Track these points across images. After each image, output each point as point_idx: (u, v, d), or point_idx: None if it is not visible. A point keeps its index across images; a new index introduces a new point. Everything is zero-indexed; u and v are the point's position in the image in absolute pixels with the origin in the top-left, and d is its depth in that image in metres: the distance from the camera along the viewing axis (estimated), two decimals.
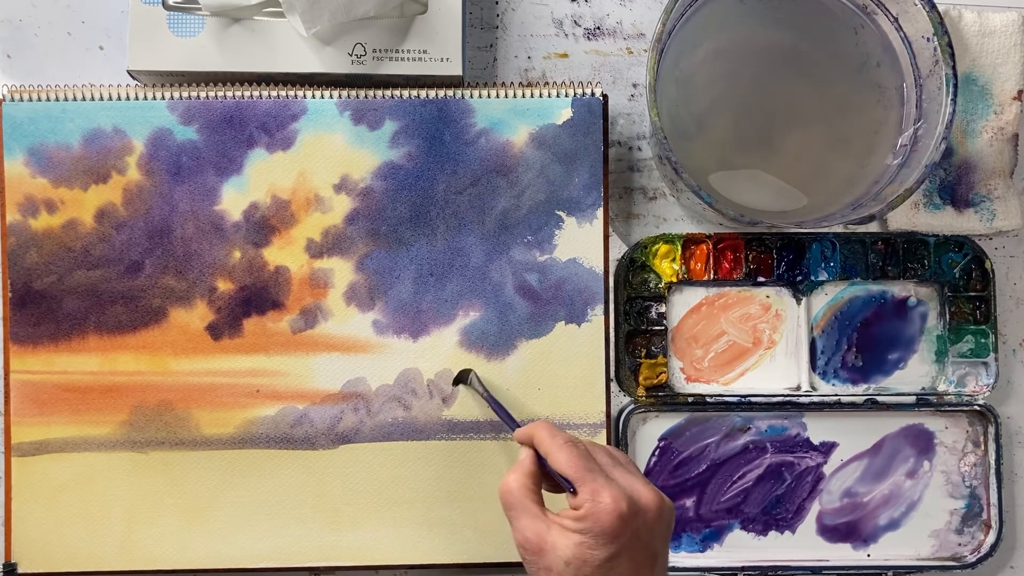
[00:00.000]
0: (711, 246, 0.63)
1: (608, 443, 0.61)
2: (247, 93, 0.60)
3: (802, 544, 0.63)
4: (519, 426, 0.52)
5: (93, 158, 0.60)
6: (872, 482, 0.63)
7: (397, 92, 0.60)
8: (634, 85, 0.64)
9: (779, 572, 0.62)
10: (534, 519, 0.47)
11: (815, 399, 0.63)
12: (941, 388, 0.63)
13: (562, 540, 0.46)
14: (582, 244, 0.61)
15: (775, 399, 0.62)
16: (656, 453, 0.63)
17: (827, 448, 0.63)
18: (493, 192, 0.61)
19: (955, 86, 0.55)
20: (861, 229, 0.64)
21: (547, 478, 0.50)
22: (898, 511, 0.63)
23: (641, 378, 0.62)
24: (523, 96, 0.61)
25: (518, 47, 0.64)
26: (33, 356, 0.60)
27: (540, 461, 0.50)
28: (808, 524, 0.63)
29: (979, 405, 0.63)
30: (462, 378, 0.60)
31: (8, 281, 0.59)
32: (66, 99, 0.59)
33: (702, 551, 0.63)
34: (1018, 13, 0.63)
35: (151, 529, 0.60)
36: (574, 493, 0.47)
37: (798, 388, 0.63)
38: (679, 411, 0.63)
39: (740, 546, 0.63)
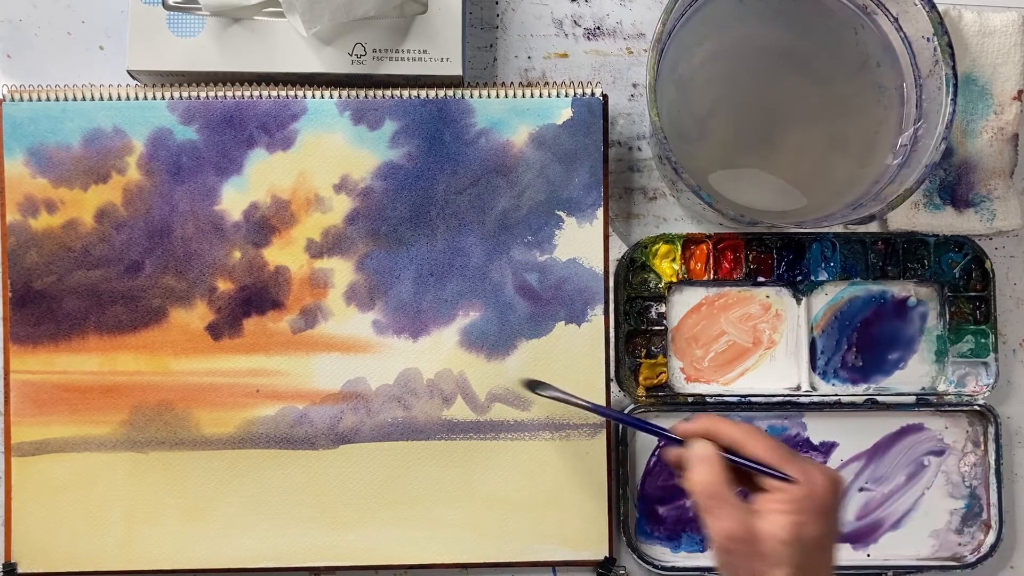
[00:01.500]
0: (711, 246, 0.63)
1: (608, 443, 0.61)
2: (247, 93, 0.60)
3: None
4: (676, 438, 0.51)
5: (93, 158, 0.60)
6: (872, 482, 0.63)
7: (397, 92, 0.60)
8: (634, 85, 0.64)
9: None
10: (737, 508, 0.48)
11: (815, 399, 0.63)
12: (941, 388, 0.63)
13: (774, 524, 0.47)
14: (582, 244, 0.61)
15: (775, 399, 0.62)
16: (656, 453, 0.63)
17: (827, 448, 0.63)
18: (493, 192, 0.61)
19: (955, 86, 0.55)
20: (861, 229, 0.64)
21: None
22: (898, 511, 0.63)
23: (641, 378, 0.62)
24: (523, 96, 0.61)
25: (518, 47, 0.64)
26: (33, 356, 0.60)
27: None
28: None
29: (979, 405, 0.63)
30: (532, 386, 0.59)
31: (8, 281, 0.59)
32: (66, 99, 0.59)
33: (702, 551, 0.63)
34: (1018, 13, 0.63)
35: (151, 529, 0.60)
36: (778, 478, 0.48)
37: (798, 388, 0.63)
38: (679, 411, 0.63)
39: None
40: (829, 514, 0.47)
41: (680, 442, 0.51)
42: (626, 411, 0.62)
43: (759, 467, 0.49)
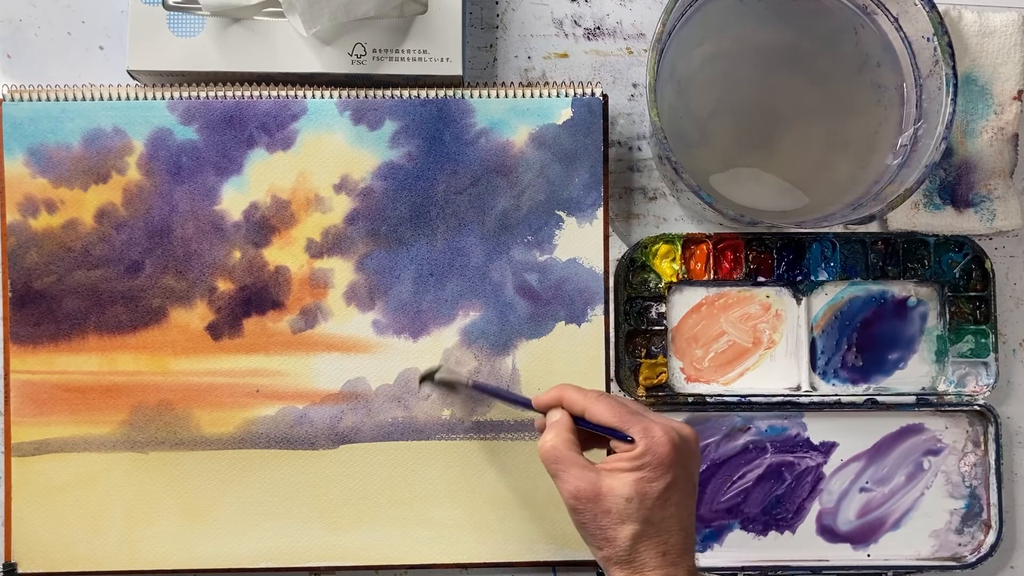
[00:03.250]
0: (711, 246, 0.63)
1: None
2: (247, 93, 0.60)
3: (802, 544, 0.63)
4: (527, 400, 0.54)
5: (93, 158, 0.60)
6: (872, 482, 0.63)
7: (397, 92, 0.60)
8: (634, 85, 0.64)
9: (779, 572, 0.62)
10: (583, 469, 0.50)
11: (815, 399, 0.63)
12: (941, 388, 0.63)
13: (619, 481, 0.49)
14: (582, 244, 0.61)
15: (775, 399, 0.62)
16: None
17: (827, 448, 0.63)
18: (493, 192, 0.61)
19: (955, 86, 0.55)
20: (861, 229, 0.64)
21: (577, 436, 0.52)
22: (898, 511, 0.63)
23: (641, 378, 0.62)
24: (523, 96, 0.61)
25: (518, 47, 0.64)
26: (33, 356, 0.60)
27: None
28: (808, 524, 0.63)
29: (979, 405, 0.63)
30: (429, 376, 0.60)
31: (8, 281, 0.59)
32: (66, 99, 0.59)
33: (702, 551, 0.63)
34: (1018, 13, 0.63)
35: (151, 529, 0.60)
36: (622, 439, 0.50)
37: (798, 388, 0.63)
38: (679, 411, 0.63)
39: (740, 546, 0.63)
40: (671, 467, 0.49)
41: (542, 413, 0.54)
42: None
43: (602, 429, 0.51)
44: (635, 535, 0.48)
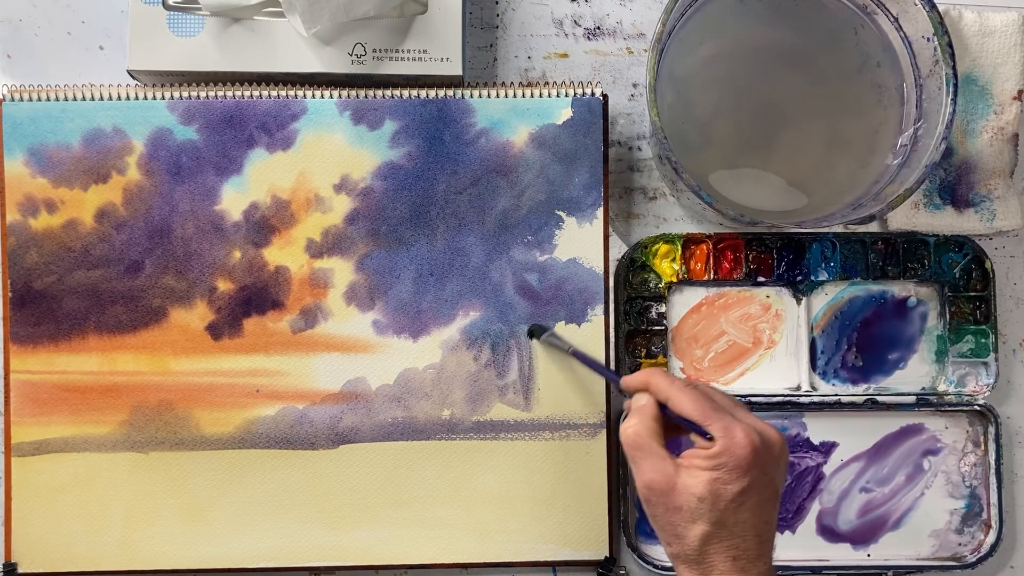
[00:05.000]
0: (711, 246, 0.63)
1: (608, 443, 0.61)
2: (247, 93, 0.60)
3: (802, 544, 0.63)
4: (618, 376, 0.53)
5: (93, 158, 0.60)
6: (872, 482, 0.63)
7: (397, 92, 0.60)
8: (634, 85, 0.64)
9: (779, 572, 0.62)
10: (662, 460, 0.48)
11: (815, 399, 0.63)
12: (941, 388, 0.63)
13: (694, 479, 0.47)
14: (582, 244, 0.61)
15: (775, 399, 0.62)
16: None
17: (827, 448, 0.63)
18: (493, 192, 0.61)
19: (955, 86, 0.55)
20: (861, 229, 0.64)
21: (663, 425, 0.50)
22: (898, 511, 0.63)
23: None
24: (523, 96, 0.61)
25: (518, 47, 0.64)
26: (33, 356, 0.60)
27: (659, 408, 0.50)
28: (808, 524, 0.63)
29: (979, 405, 0.63)
30: (535, 332, 0.60)
31: (8, 281, 0.59)
32: (66, 99, 0.59)
33: None
34: (1018, 13, 0.63)
35: (151, 529, 0.60)
36: (703, 435, 0.48)
37: (798, 388, 0.63)
38: None
39: None
40: (749, 471, 0.47)
41: (627, 394, 0.52)
42: (625, 412, 0.62)
43: (685, 421, 0.49)
44: (705, 536, 0.47)
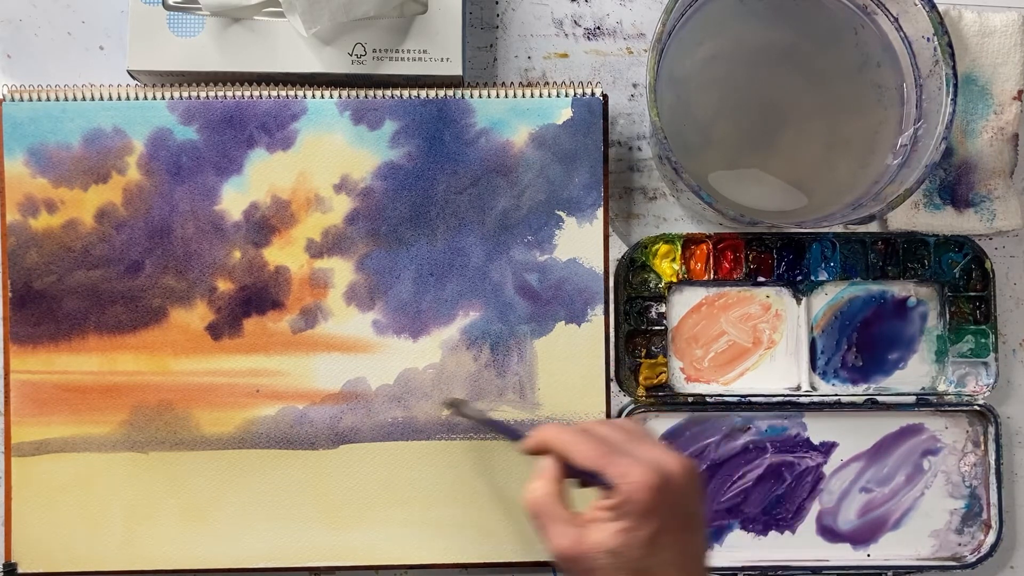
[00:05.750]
0: (711, 246, 0.63)
1: None
2: (247, 93, 0.60)
3: (802, 544, 0.63)
4: (521, 438, 0.51)
5: (93, 158, 0.60)
6: (872, 482, 0.63)
7: (397, 92, 0.60)
8: (634, 85, 0.64)
9: (779, 572, 0.62)
10: (566, 525, 0.46)
11: (815, 399, 0.63)
12: (941, 388, 0.63)
13: (600, 534, 0.45)
14: (582, 244, 0.61)
15: (775, 399, 0.62)
16: None
17: (827, 448, 0.63)
18: (493, 192, 0.61)
19: (955, 86, 0.55)
20: (861, 229, 0.64)
21: (574, 476, 0.49)
22: (898, 511, 0.63)
23: (641, 378, 0.62)
24: (523, 96, 0.61)
25: (518, 47, 0.64)
26: (33, 356, 0.60)
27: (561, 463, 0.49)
28: (808, 524, 0.63)
29: (979, 405, 0.63)
30: (455, 405, 0.60)
31: (8, 281, 0.59)
32: (66, 99, 0.59)
33: None
34: (1018, 13, 0.63)
35: (151, 529, 0.60)
36: (603, 485, 0.46)
37: (798, 388, 0.63)
38: (679, 411, 0.63)
39: (740, 546, 0.63)
40: (655, 511, 0.44)
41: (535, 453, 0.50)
42: (626, 411, 0.62)
43: (584, 473, 0.47)
44: None
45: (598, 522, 0.45)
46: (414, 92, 0.60)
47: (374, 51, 0.59)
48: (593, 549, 0.45)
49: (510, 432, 0.56)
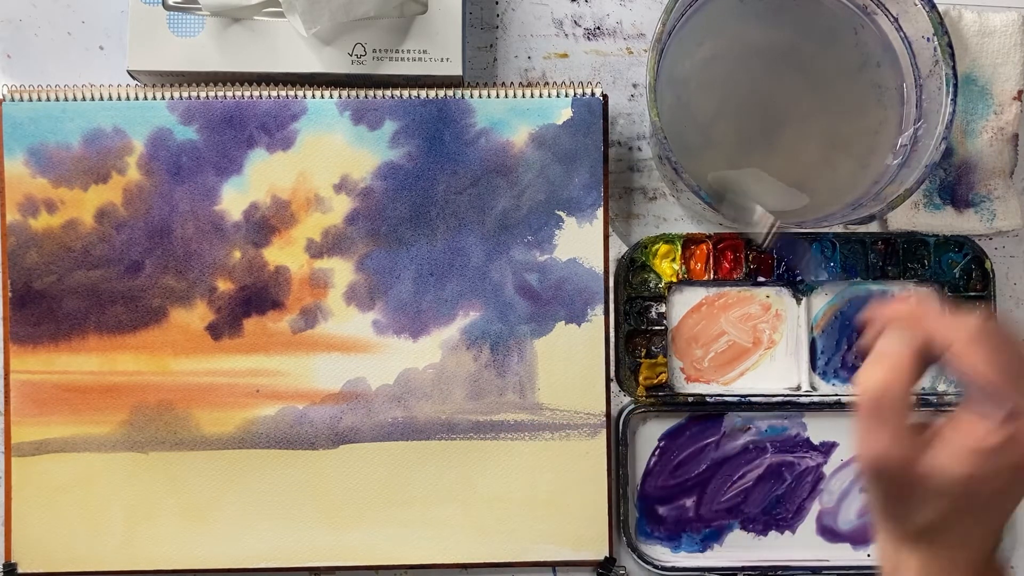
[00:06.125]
0: (711, 246, 0.63)
1: (608, 443, 0.61)
2: (247, 93, 0.60)
3: (802, 544, 0.63)
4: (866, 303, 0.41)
5: (93, 158, 0.60)
6: None
7: (397, 92, 0.60)
8: (634, 85, 0.64)
9: (779, 572, 0.62)
10: (900, 431, 0.37)
11: (815, 399, 0.63)
12: (941, 388, 0.63)
13: (949, 458, 0.36)
14: (582, 244, 0.61)
15: (775, 399, 0.62)
16: (656, 453, 0.63)
17: (827, 448, 0.63)
18: (493, 192, 0.61)
19: (955, 86, 0.55)
20: (861, 229, 0.64)
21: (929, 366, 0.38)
22: None
23: (641, 378, 0.62)
24: (523, 96, 0.61)
25: (518, 47, 0.64)
26: (33, 356, 0.59)
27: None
28: (808, 524, 0.63)
29: None
30: (773, 229, 0.53)
31: (8, 281, 0.59)
32: (66, 99, 0.59)
33: (702, 551, 0.63)
34: (1018, 13, 0.63)
35: (151, 529, 0.60)
36: (987, 406, 0.36)
37: (798, 388, 0.63)
38: (679, 411, 0.63)
39: (740, 546, 0.63)
40: None
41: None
42: (626, 411, 0.62)
43: (965, 383, 0.37)
44: (928, 529, 0.37)
45: (954, 445, 0.36)
46: (414, 92, 0.60)
47: (374, 51, 0.59)
48: (927, 478, 0.36)
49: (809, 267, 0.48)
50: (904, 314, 0.38)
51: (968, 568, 0.37)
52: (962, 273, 0.63)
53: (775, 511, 0.63)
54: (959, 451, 0.36)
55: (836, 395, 0.63)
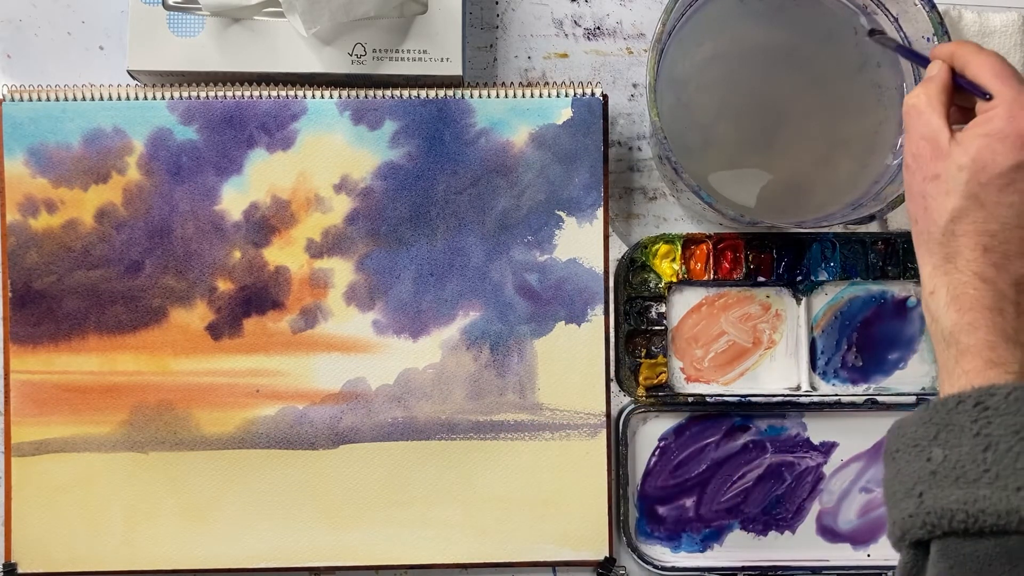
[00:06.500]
0: (711, 246, 0.63)
1: (608, 443, 0.61)
2: (247, 93, 0.60)
3: (802, 544, 0.63)
4: (925, 57, 0.50)
5: (93, 158, 0.60)
6: (872, 482, 0.63)
7: (397, 92, 0.60)
8: (634, 85, 0.64)
9: (779, 572, 0.62)
10: (932, 126, 0.45)
11: (815, 399, 0.63)
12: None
13: (960, 145, 0.43)
14: (582, 244, 0.61)
15: (775, 399, 0.62)
16: (656, 453, 0.63)
17: (827, 448, 0.63)
18: (493, 192, 0.61)
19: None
20: (861, 229, 0.64)
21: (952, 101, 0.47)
22: None
23: (641, 378, 0.62)
24: (523, 96, 0.61)
25: (518, 47, 0.64)
26: (33, 356, 0.60)
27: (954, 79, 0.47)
28: (808, 524, 0.63)
29: None
30: (876, 34, 0.58)
31: (8, 281, 0.59)
32: (66, 99, 0.59)
33: (702, 551, 0.63)
34: (1018, 13, 0.63)
35: (151, 529, 0.60)
36: (988, 99, 0.44)
37: (798, 388, 0.63)
38: (679, 411, 0.63)
39: (740, 546, 0.63)
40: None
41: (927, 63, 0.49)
42: (626, 411, 0.62)
43: (974, 88, 0.45)
44: (956, 211, 0.42)
45: (965, 134, 0.43)
46: (414, 92, 0.60)
47: (374, 51, 0.59)
48: (946, 157, 0.43)
49: (921, 58, 0.53)
50: (946, 51, 0.47)
51: (1000, 285, 0.42)
52: None
53: (775, 511, 0.63)
54: (965, 137, 0.43)
55: (836, 395, 0.63)
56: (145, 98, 0.60)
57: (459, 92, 0.60)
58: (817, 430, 0.63)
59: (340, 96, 0.60)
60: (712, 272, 0.63)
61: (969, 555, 0.39)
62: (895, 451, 0.43)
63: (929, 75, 0.47)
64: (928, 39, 0.56)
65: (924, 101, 0.45)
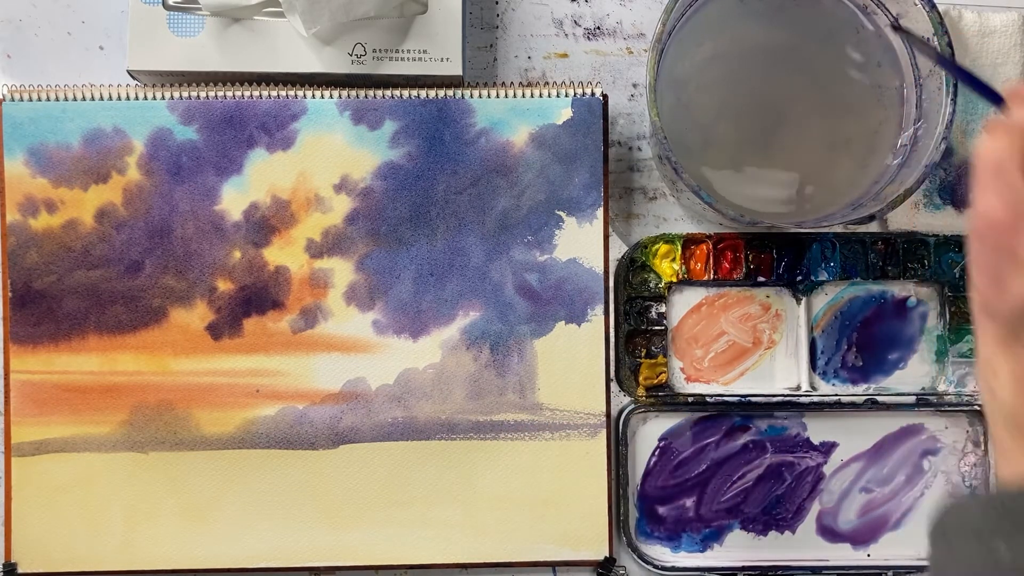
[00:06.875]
0: (711, 246, 0.63)
1: (608, 443, 0.61)
2: (247, 93, 0.60)
3: (802, 544, 0.63)
4: (998, 95, 0.42)
5: (93, 158, 0.60)
6: (872, 482, 0.63)
7: (397, 92, 0.60)
8: (634, 85, 0.64)
9: (779, 572, 0.62)
10: (1014, 190, 0.38)
11: (815, 399, 0.63)
12: (941, 388, 0.63)
13: None
14: (582, 244, 0.61)
15: (775, 399, 0.62)
16: (656, 453, 0.63)
17: (827, 448, 0.63)
18: (493, 192, 0.61)
19: (955, 86, 0.55)
20: (861, 229, 0.64)
21: None
22: (898, 511, 0.63)
23: (641, 378, 0.62)
24: (523, 96, 0.61)
25: (518, 47, 0.64)
26: (33, 356, 0.60)
27: None
28: (808, 524, 0.63)
29: (979, 405, 0.63)
30: (904, 31, 0.54)
31: (8, 281, 0.59)
32: (66, 99, 0.59)
33: (702, 551, 0.63)
34: (1018, 13, 0.63)
35: (151, 529, 0.60)
36: None
37: (798, 388, 0.63)
38: (679, 411, 0.63)
39: (740, 546, 0.63)
40: None
41: (1000, 103, 0.42)
42: (626, 411, 0.62)
43: None
44: (1021, 315, 0.38)
45: None
46: (414, 92, 0.60)
47: (374, 51, 0.59)
48: None
49: (989, 91, 0.45)
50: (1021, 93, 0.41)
51: None
52: (962, 273, 0.63)
53: (775, 511, 0.63)
54: None
55: (836, 395, 0.63)
56: (145, 98, 0.60)
57: (459, 92, 0.60)
58: (817, 430, 0.63)
59: (340, 96, 0.60)
60: (712, 272, 0.63)
61: None
62: (951, 535, 0.39)
63: (1010, 123, 0.39)
64: (928, 39, 0.56)
65: (1005, 158, 0.38)
